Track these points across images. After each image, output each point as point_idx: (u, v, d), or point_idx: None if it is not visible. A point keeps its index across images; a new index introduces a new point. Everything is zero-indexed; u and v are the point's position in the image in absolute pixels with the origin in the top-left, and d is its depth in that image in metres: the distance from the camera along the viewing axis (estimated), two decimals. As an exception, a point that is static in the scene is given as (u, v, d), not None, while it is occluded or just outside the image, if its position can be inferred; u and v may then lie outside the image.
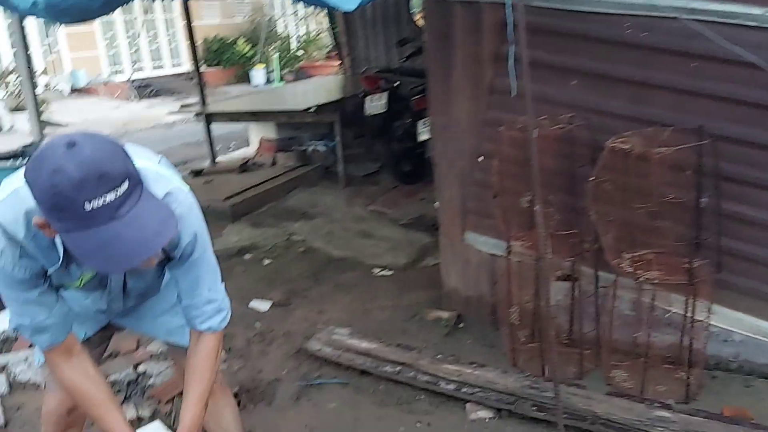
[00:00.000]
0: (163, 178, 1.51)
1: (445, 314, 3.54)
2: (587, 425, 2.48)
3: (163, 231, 1.29)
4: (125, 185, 1.23)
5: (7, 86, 11.50)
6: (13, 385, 3.06)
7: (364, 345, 3.17)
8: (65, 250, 1.41)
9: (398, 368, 2.97)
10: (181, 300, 1.66)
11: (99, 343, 1.95)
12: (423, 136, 5.54)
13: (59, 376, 1.62)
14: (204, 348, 1.67)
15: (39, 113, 4.87)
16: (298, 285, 4.20)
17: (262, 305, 3.90)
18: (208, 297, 1.63)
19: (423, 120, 5.51)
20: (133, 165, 1.28)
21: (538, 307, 3.04)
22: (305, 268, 4.49)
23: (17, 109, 10.69)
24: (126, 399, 2.92)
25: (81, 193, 1.19)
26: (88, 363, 1.65)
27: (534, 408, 2.62)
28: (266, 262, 4.65)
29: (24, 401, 2.96)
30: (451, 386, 2.81)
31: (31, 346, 3.35)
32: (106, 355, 2.96)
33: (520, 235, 2.95)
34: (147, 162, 1.51)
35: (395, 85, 6.01)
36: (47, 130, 5.72)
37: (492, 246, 3.30)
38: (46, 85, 13.35)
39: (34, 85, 4.90)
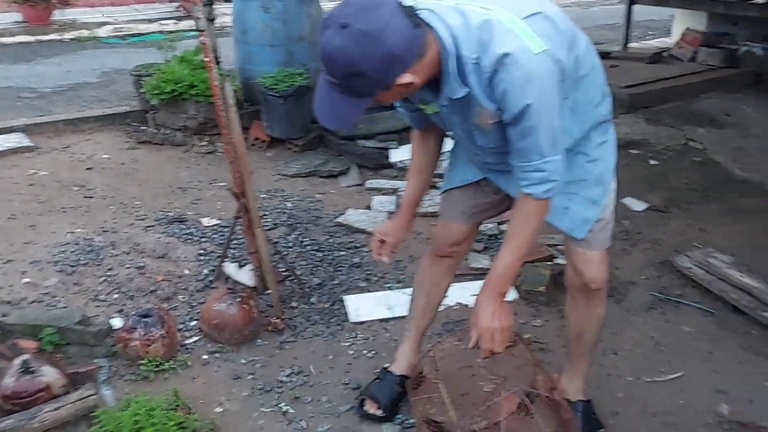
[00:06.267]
0: (511, 36, 1.40)
1: None
2: None
3: (326, 119, 1.47)
4: (335, 81, 1.39)
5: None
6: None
7: (747, 281, 2.72)
8: None
9: (783, 319, 2.49)
10: (511, 157, 1.57)
11: (484, 197, 1.93)
12: None
13: (411, 137, 1.91)
14: (526, 209, 1.58)
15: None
16: (683, 195, 3.77)
17: (636, 204, 3.63)
18: (537, 166, 1.51)
19: None
20: (359, 86, 1.37)
21: None
22: (696, 180, 3.99)
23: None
24: (485, 249, 3.09)
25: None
26: (431, 139, 1.87)
27: None
28: (653, 162, 4.27)
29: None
30: None
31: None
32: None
33: None
34: (511, 14, 1.42)
35: None
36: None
37: None
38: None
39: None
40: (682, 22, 6.65)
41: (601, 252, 1.85)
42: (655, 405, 2.20)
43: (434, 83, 1.50)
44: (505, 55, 1.38)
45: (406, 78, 1.39)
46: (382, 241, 2.00)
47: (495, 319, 1.58)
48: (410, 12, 1.38)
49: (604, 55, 6.17)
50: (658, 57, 6.03)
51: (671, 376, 2.33)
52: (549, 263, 2.91)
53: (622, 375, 2.34)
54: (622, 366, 2.39)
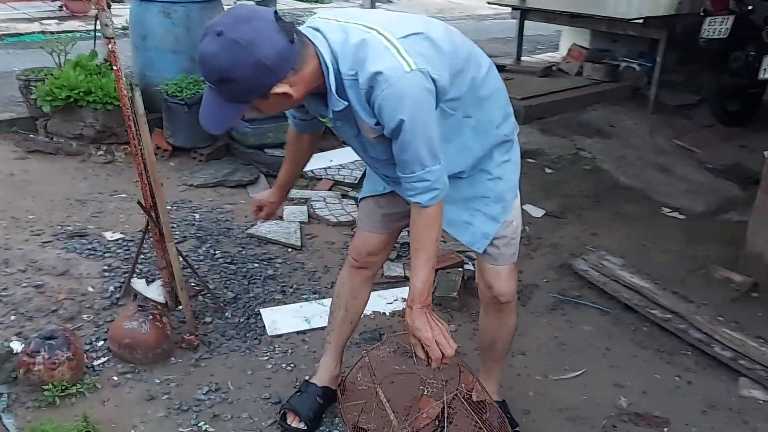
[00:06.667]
0: (386, 55, 1.49)
1: (737, 277, 3.12)
2: None
3: (207, 123, 1.53)
4: (215, 84, 1.47)
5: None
6: (312, 217, 3.50)
7: (636, 281, 2.96)
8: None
9: (669, 316, 2.73)
10: (396, 169, 1.63)
11: (397, 206, 1.95)
12: (765, 74, 4.70)
13: (288, 133, 2.02)
14: (421, 220, 1.65)
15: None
16: (575, 202, 4.04)
17: (535, 211, 3.84)
18: (420, 176, 1.59)
19: (772, 56, 4.66)
20: (231, 91, 1.45)
21: None
22: (587, 187, 4.28)
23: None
24: (397, 257, 3.15)
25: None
26: (305, 141, 1.99)
27: (828, 411, 2.22)
28: (548, 171, 4.53)
29: (317, 232, 3.37)
30: (728, 353, 2.51)
31: (330, 189, 3.78)
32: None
33: None
34: (388, 34, 1.51)
35: (748, 9, 5.13)
36: None
37: (828, 217, 2.76)
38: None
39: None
40: (569, 38, 7.09)
41: (508, 266, 1.95)
42: (562, 401, 2.35)
43: (324, 96, 1.58)
44: (378, 73, 1.48)
45: (281, 88, 1.47)
46: (260, 208, 2.16)
47: (434, 328, 1.65)
48: (286, 28, 1.46)
49: (500, 68, 6.35)
50: (548, 71, 6.39)
51: (575, 374, 2.50)
52: (460, 269, 3.02)
53: (531, 374, 2.48)
54: (530, 366, 2.53)
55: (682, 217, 3.95)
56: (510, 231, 1.90)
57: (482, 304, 2.07)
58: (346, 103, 1.55)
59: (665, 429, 2.24)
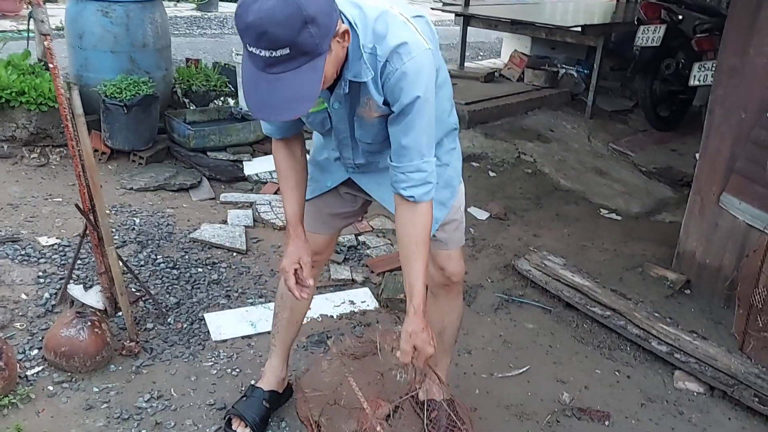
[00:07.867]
0: (407, 28, 1.50)
1: (671, 275, 3.25)
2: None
3: (288, 108, 1.36)
4: (284, 51, 1.29)
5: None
6: (257, 221, 3.45)
7: (577, 279, 3.04)
8: None
9: (608, 313, 2.82)
10: (391, 160, 1.61)
11: (344, 206, 1.99)
12: (694, 81, 4.93)
13: (273, 150, 1.82)
14: (420, 218, 1.64)
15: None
16: (518, 204, 4.12)
17: (479, 213, 3.90)
18: (418, 165, 1.57)
19: (700, 63, 4.89)
20: (312, 37, 1.29)
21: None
22: (528, 190, 4.38)
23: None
24: (344, 261, 3.15)
25: (245, 35, 1.30)
26: (297, 147, 1.80)
27: (756, 399, 2.33)
28: (492, 174, 4.61)
29: (263, 236, 3.33)
30: (664, 348, 2.61)
31: (275, 192, 3.74)
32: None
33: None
34: (403, 11, 1.54)
35: (679, 18, 5.37)
36: None
37: (753, 216, 2.90)
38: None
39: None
40: (510, 45, 7.26)
41: (458, 249, 2.00)
42: (508, 398, 2.39)
43: None
44: (402, 44, 1.47)
45: (342, 26, 1.41)
46: (298, 268, 1.79)
47: (430, 339, 1.67)
48: None
49: (443, 73, 6.53)
50: (491, 76, 6.51)
51: (519, 371, 2.55)
52: (406, 271, 3.03)
53: (477, 372, 2.52)
54: (476, 364, 2.56)
55: (619, 217, 4.09)
56: (459, 215, 1.96)
57: (431, 291, 2.08)
58: (373, 73, 1.50)
59: (606, 422, 2.31)
